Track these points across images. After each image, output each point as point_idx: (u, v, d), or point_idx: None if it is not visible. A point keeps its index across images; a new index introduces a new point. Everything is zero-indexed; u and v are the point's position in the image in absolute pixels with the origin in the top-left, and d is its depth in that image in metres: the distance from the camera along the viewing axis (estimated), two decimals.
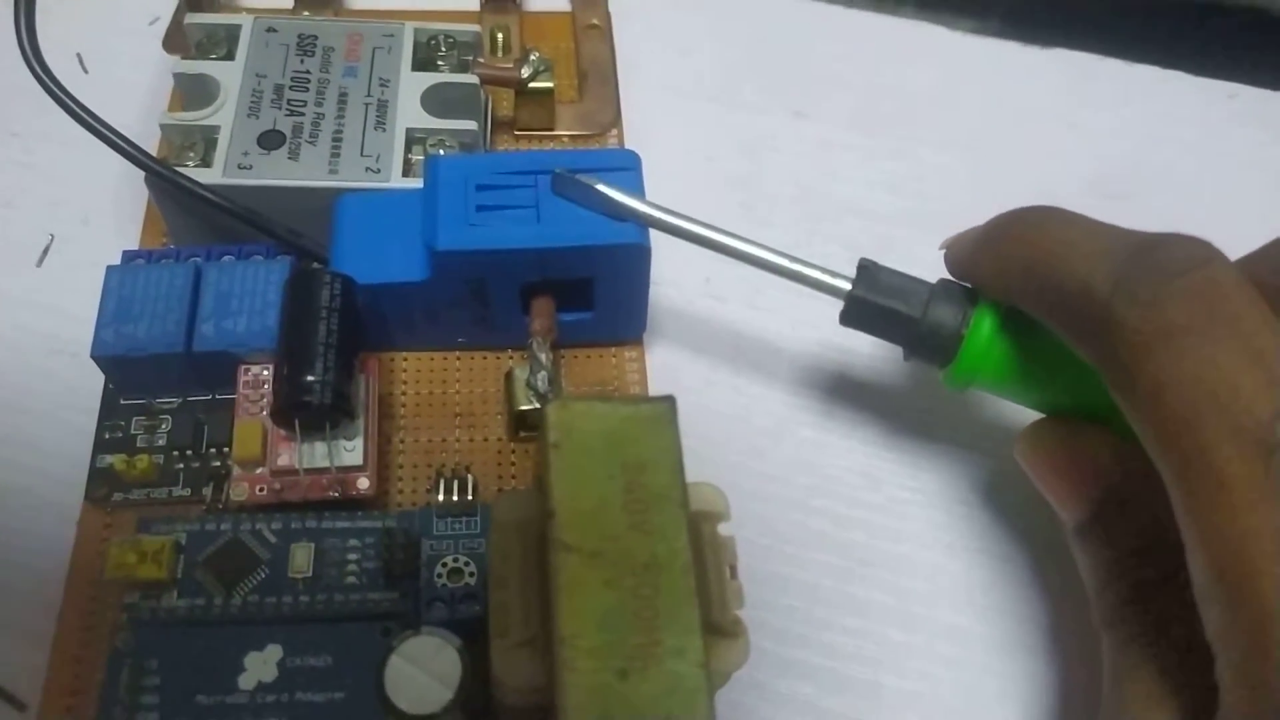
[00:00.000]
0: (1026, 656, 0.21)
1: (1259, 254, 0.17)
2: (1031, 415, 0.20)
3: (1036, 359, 0.19)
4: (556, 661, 0.15)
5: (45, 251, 0.26)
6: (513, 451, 0.22)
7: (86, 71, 0.29)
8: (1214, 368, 0.14)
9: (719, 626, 0.17)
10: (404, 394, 0.23)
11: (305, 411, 0.19)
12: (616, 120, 0.28)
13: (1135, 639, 0.17)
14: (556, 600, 0.16)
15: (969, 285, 0.20)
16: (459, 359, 0.23)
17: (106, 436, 0.21)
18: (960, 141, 0.29)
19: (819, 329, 0.25)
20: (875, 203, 0.28)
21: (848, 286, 0.20)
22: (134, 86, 0.28)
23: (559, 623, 0.15)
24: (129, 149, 0.21)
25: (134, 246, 0.25)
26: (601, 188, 0.20)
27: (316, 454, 0.19)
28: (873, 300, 0.20)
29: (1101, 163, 0.29)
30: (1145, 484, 0.16)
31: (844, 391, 0.24)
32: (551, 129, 0.27)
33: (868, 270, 0.20)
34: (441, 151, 0.23)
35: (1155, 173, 0.28)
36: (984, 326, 0.19)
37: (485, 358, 0.23)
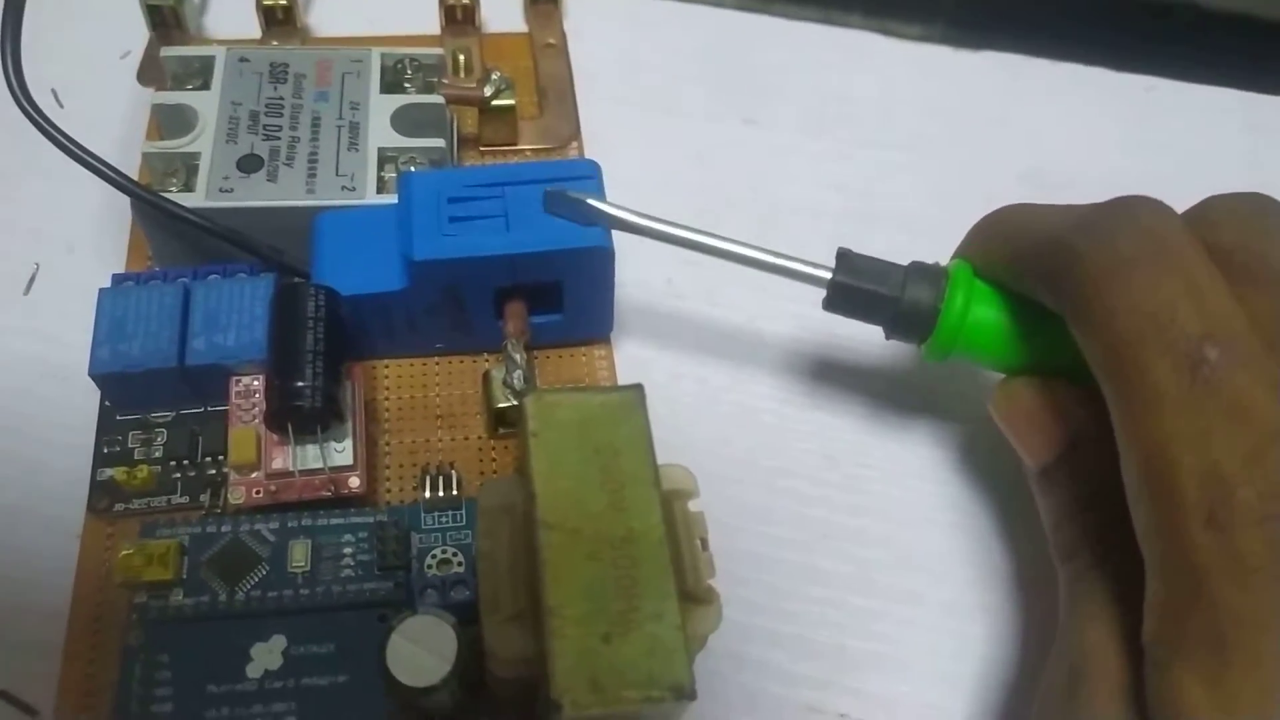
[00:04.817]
0: (981, 615, 0.23)
1: (1194, 212, 0.20)
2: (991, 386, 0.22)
3: (1006, 323, 0.21)
4: (545, 630, 0.17)
5: (31, 280, 0.26)
6: (493, 448, 0.23)
7: (62, 106, 0.30)
8: (1156, 295, 0.16)
9: (694, 594, 0.18)
10: (387, 399, 0.24)
11: (298, 415, 0.20)
12: (576, 134, 0.29)
13: (1090, 569, 0.19)
14: (542, 575, 0.17)
15: (937, 264, 0.22)
16: (438, 364, 0.24)
17: (105, 451, 0.22)
18: (902, 142, 0.31)
19: (774, 323, 0.27)
20: (825, 203, 0.29)
21: (829, 275, 0.21)
22: (109, 118, 0.29)
23: (545, 595, 0.17)
24: (116, 177, 0.22)
25: (118, 271, 0.26)
26: (593, 202, 0.21)
27: (309, 456, 0.21)
28: (854, 285, 0.21)
29: (1034, 156, 0.31)
30: (1105, 431, 0.17)
31: (801, 379, 0.26)
32: (515, 144, 0.28)
33: (846, 258, 0.21)
34: (413, 168, 0.24)
35: (1083, 163, 0.30)
36: (958, 298, 0.21)
37: (463, 362, 0.25)
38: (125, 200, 0.26)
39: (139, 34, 0.30)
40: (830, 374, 0.26)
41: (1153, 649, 0.16)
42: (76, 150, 0.22)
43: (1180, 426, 0.16)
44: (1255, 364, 0.16)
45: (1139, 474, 0.16)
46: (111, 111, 0.29)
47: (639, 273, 0.27)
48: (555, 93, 0.30)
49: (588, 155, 0.29)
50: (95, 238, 0.27)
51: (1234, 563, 0.15)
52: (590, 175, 0.23)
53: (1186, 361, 0.16)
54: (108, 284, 0.23)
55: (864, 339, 0.26)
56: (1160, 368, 0.16)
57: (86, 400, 0.23)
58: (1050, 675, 0.18)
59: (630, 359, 0.26)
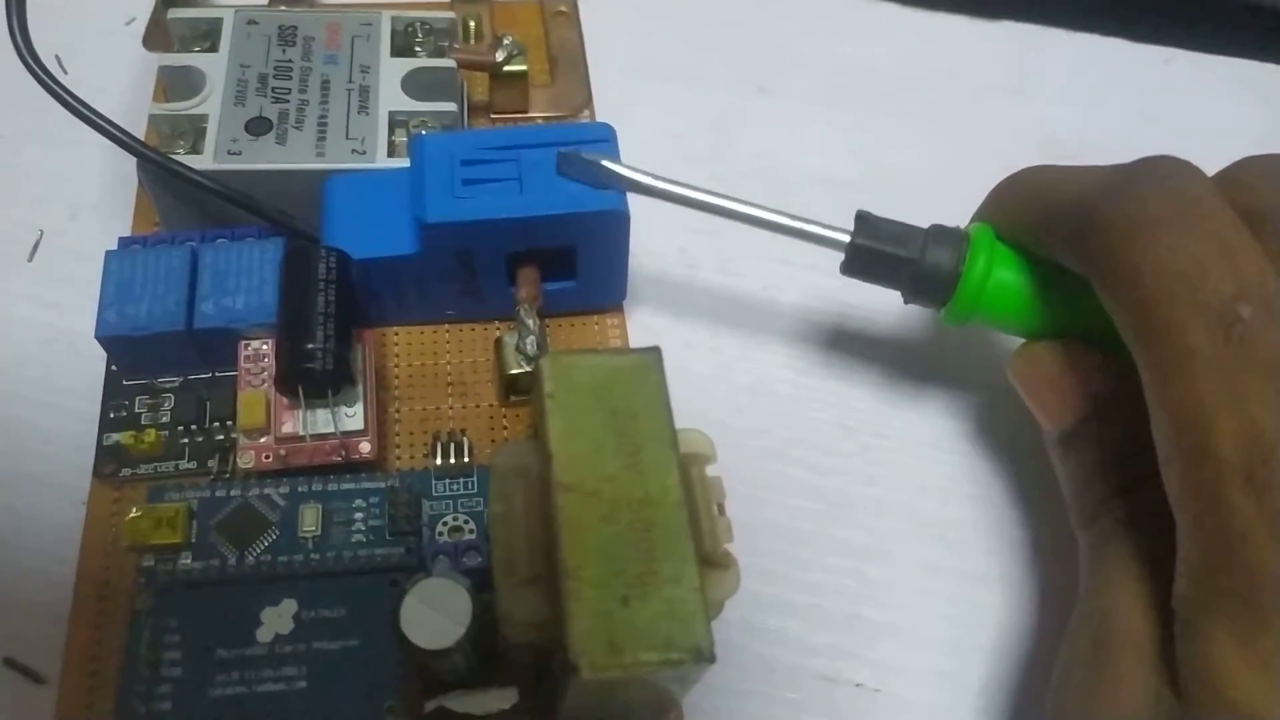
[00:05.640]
0: (998, 585, 0.22)
1: (1224, 173, 0.19)
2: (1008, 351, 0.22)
3: (1028, 286, 0.21)
4: (562, 593, 0.16)
5: (35, 247, 0.26)
6: (504, 416, 0.23)
7: (66, 72, 0.29)
8: (1186, 254, 0.16)
9: (711, 558, 0.18)
10: (397, 366, 0.24)
11: (309, 378, 0.20)
12: (588, 102, 0.29)
13: (1112, 534, 0.18)
14: (559, 537, 0.17)
15: (958, 227, 0.21)
16: (448, 331, 0.24)
17: (111, 416, 0.22)
18: (917, 111, 0.30)
19: (788, 291, 0.26)
20: (838, 171, 0.29)
21: (848, 237, 0.21)
22: (114, 84, 0.29)
23: (563, 557, 0.17)
24: (125, 139, 0.22)
25: (124, 236, 0.25)
26: (607, 163, 0.21)
27: (319, 420, 0.20)
28: (874, 247, 0.21)
29: (1050, 127, 0.30)
30: (1127, 395, 0.17)
31: (815, 348, 0.26)
32: (526, 111, 0.28)
33: (866, 220, 0.21)
34: (424, 132, 0.24)
35: (1100, 135, 0.30)
36: (979, 261, 0.20)
37: (473, 329, 0.24)
38: (128, 166, 0.25)
39: (143, 0, 0.30)
40: (845, 343, 0.26)
41: (1184, 610, 0.16)
42: (85, 111, 0.21)
43: (1215, 386, 0.15)
44: None
45: (1172, 436, 0.16)
46: (116, 78, 0.29)
47: (651, 241, 0.26)
48: (567, 60, 0.29)
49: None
50: (99, 203, 0.27)
51: (1271, 524, 0.14)
52: (605, 138, 0.22)
53: (1220, 321, 0.15)
54: (106, 250, 0.22)
55: (879, 307, 0.26)
56: (1193, 328, 0.16)
57: (91, 366, 0.23)
58: (1072, 641, 0.18)
59: (642, 327, 0.25)
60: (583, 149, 0.22)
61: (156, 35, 0.28)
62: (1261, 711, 0.14)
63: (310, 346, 0.20)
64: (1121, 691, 0.16)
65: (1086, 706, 0.17)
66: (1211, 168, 0.19)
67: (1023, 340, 0.22)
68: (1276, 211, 0.17)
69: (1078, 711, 0.17)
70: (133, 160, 0.23)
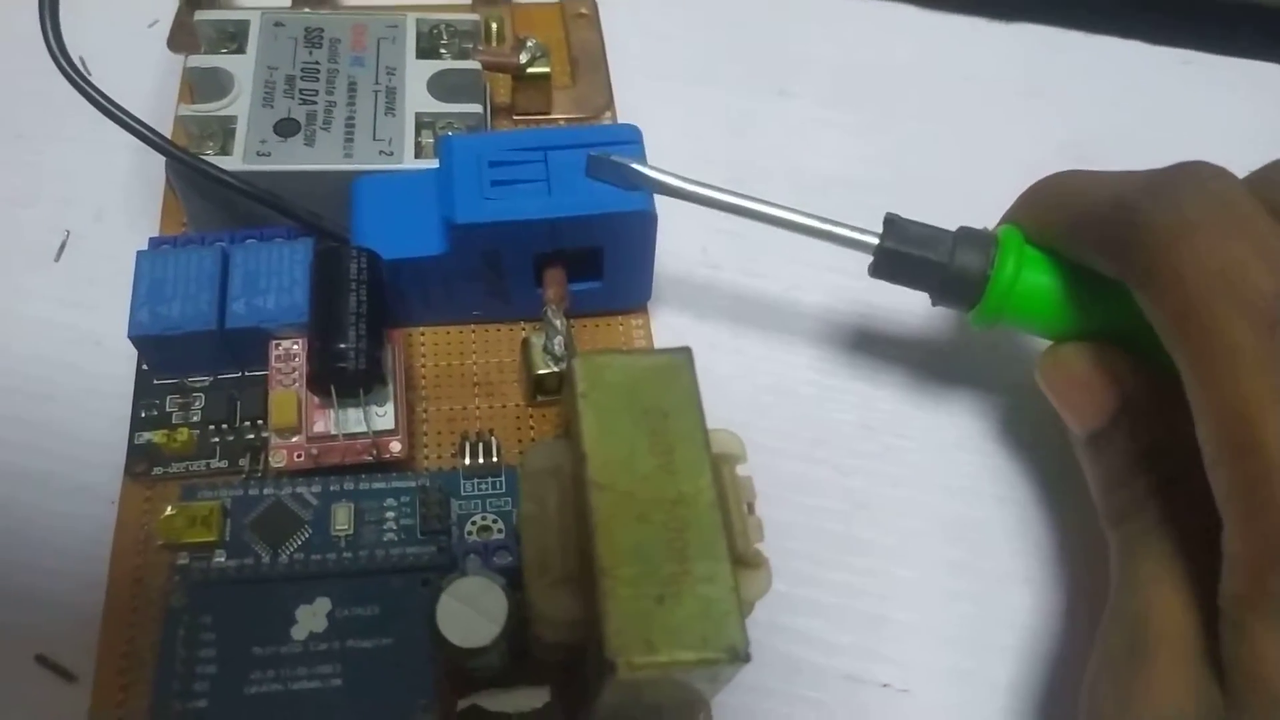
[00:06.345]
0: (1025, 587, 0.23)
1: (1257, 175, 0.19)
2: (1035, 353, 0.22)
3: (1057, 289, 0.21)
4: (598, 592, 0.16)
5: (62, 247, 0.26)
6: (531, 416, 0.23)
7: (90, 74, 0.29)
8: (1226, 256, 0.16)
9: (743, 557, 0.18)
10: (424, 366, 0.24)
11: (341, 377, 0.20)
12: (610, 103, 0.29)
13: (1147, 532, 0.18)
14: (595, 536, 0.17)
15: (986, 230, 0.21)
16: (474, 332, 0.24)
17: (143, 415, 0.22)
18: (936, 113, 0.30)
19: (811, 292, 0.26)
20: (859, 174, 0.29)
21: (876, 240, 0.21)
22: (138, 86, 0.29)
23: (598, 556, 0.17)
24: (158, 140, 0.22)
25: (148, 237, 0.26)
26: (638, 166, 0.21)
27: (351, 420, 0.21)
28: (903, 250, 0.21)
29: (1069, 129, 0.30)
30: (1157, 395, 0.17)
31: (839, 349, 0.26)
32: (548, 113, 0.28)
33: (894, 223, 0.21)
34: (450, 133, 0.24)
35: (1119, 137, 0.30)
36: (1009, 264, 0.21)
37: (499, 330, 0.24)
38: (153, 166, 0.26)
39: (166, 3, 0.30)
40: (868, 344, 0.26)
41: (1231, 609, 0.16)
42: (119, 113, 0.22)
43: (1262, 384, 0.15)
44: None
45: (1218, 435, 0.16)
46: (140, 80, 0.29)
47: (674, 242, 0.26)
48: (588, 62, 0.30)
49: None
50: (124, 204, 0.27)
51: None
52: (633, 140, 0.22)
53: (1264, 319, 0.16)
54: (137, 250, 0.22)
55: (902, 308, 0.26)
56: (1237, 326, 0.16)
57: (119, 366, 0.23)
58: (1107, 641, 0.18)
59: (667, 328, 0.25)
60: (610, 150, 0.22)
61: (181, 37, 0.28)
62: None
63: (343, 346, 0.20)
64: (1161, 688, 0.16)
65: (1125, 704, 0.17)
66: (1232, 169, 0.19)
67: (1050, 343, 0.22)
68: None
69: (1115, 710, 0.17)
70: (157, 160, 0.23)
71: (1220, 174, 0.18)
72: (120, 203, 0.27)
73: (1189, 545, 0.17)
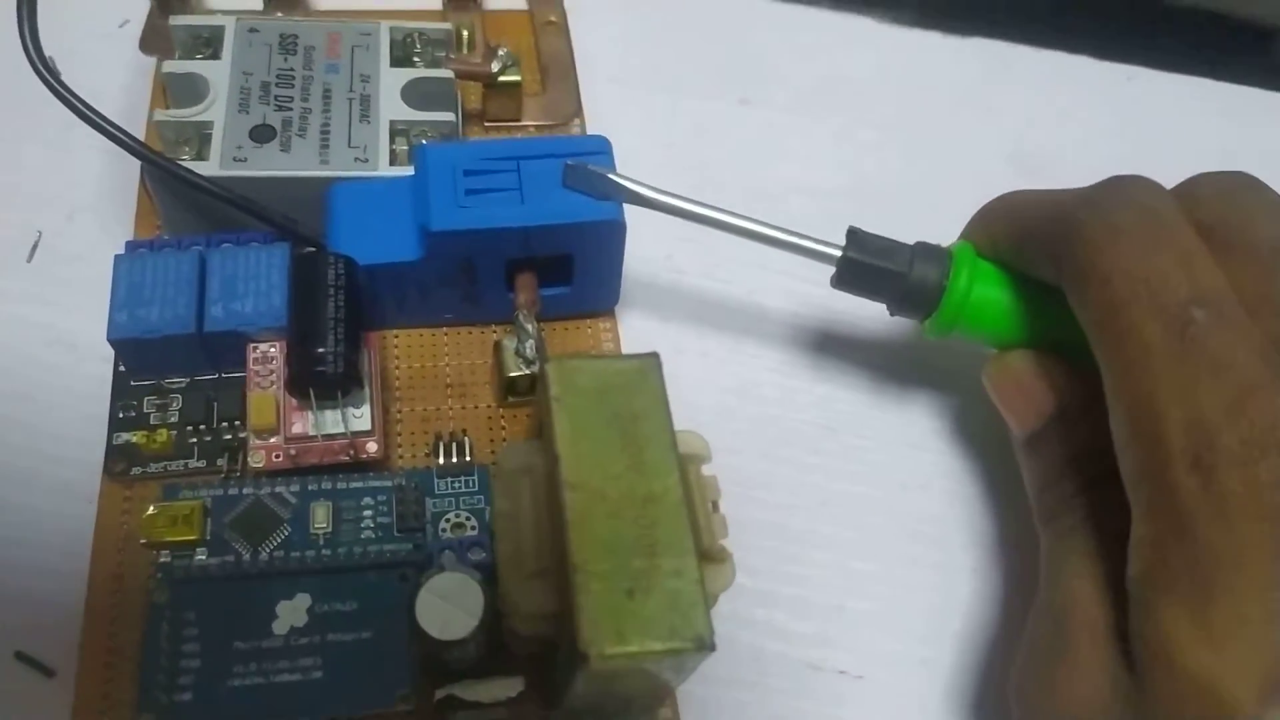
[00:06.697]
0: (970, 576, 0.24)
1: (1183, 188, 0.21)
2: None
3: (1005, 301, 0.22)
4: (570, 586, 0.17)
5: (34, 248, 0.26)
6: (502, 417, 0.24)
7: (60, 73, 0.29)
8: (1149, 262, 0.18)
9: (708, 553, 0.19)
10: (398, 368, 0.24)
11: (320, 381, 0.20)
12: (578, 111, 0.30)
13: (1072, 530, 0.20)
14: (567, 533, 0.18)
15: (941, 245, 0.23)
16: (447, 335, 0.25)
17: (120, 415, 0.22)
18: (893, 123, 0.32)
19: (773, 297, 0.27)
20: (818, 181, 0.30)
21: (839, 252, 0.22)
22: (109, 87, 0.29)
23: (571, 552, 0.17)
24: (135, 145, 0.22)
25: (121, 240, 0.26)
26: (614, 177, 0.22)
27: (329, 421, 0.21)
28: (864, 261, 0.22)
29: (1018, 141, 0.32)
30: (1090, 403, 0.19)
31: (799, 352, 0.27)
32: (519, 120, 0.29)
33: (856, 235, 0.22)
34: (424, 141, 0.24)
35: (1066, 149, 0.32)
36: (962, 276, 0.22)
37: (471, 333, 0.25)
38: (124, 168, 0.26)
39: (136, 3, 0.30)
40: (829, 347, 0.27)
41: (1138, 589, 0.17)
42: (96, 118, 0.22)
43: (1168, 380, 0.17)
44: (1238, 325, 0.17)
45: (1128, 424, 0.17)
46: (111, 80, 0.29)
47: (640, 248, 0.27)
48: (557, 70, 0.30)
49: (590, 132, 0.29)
50: (96, 206, 0.27)
51: (1216, 503, 0.16)
52: (602, 150, 0.23)
53: (1176, 322, 0.17)
54: (111, 252, 0.23)
55: (862, 314, 0.27)
56: (1151, 327, 0.17)
57: (94, 367, 0.23)
58: (1033, 628, 0.20)
59: (634, 331, 0.26)
60: (581, 160, 0.22)
61: (154, 40, 0.29)
62: (1212, 680, 0.16)
63: (322, 351, 0.20)
64: (1080, 673, 0.18)
65: (1047, 689, 0.18)
66: (1170, 179, 0.21)
67: (996, 350, 0.23)
68: (1223, 224, 0.19)
69: (1038, 694, 0.18)
70: (128, 162, 0.23)
71: (1149, 187, 0.20)
72: (91, 204, 0.27)
73: (1110, 544, 0.19)
